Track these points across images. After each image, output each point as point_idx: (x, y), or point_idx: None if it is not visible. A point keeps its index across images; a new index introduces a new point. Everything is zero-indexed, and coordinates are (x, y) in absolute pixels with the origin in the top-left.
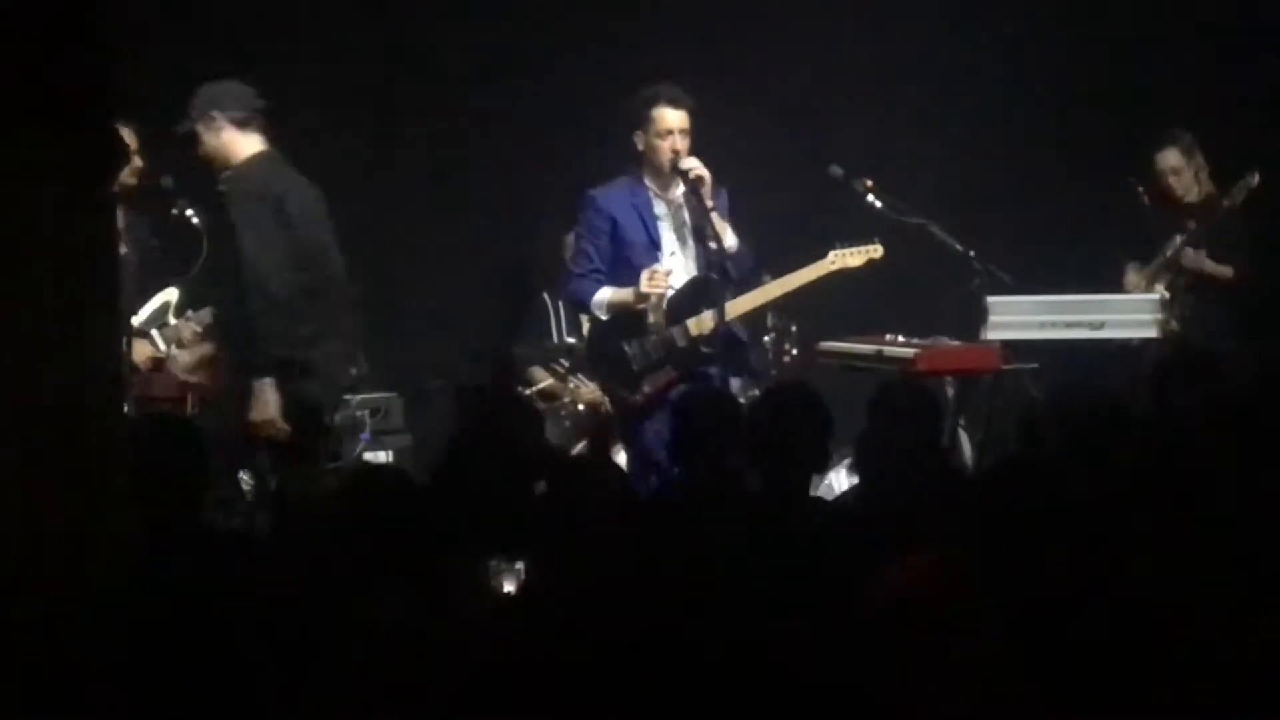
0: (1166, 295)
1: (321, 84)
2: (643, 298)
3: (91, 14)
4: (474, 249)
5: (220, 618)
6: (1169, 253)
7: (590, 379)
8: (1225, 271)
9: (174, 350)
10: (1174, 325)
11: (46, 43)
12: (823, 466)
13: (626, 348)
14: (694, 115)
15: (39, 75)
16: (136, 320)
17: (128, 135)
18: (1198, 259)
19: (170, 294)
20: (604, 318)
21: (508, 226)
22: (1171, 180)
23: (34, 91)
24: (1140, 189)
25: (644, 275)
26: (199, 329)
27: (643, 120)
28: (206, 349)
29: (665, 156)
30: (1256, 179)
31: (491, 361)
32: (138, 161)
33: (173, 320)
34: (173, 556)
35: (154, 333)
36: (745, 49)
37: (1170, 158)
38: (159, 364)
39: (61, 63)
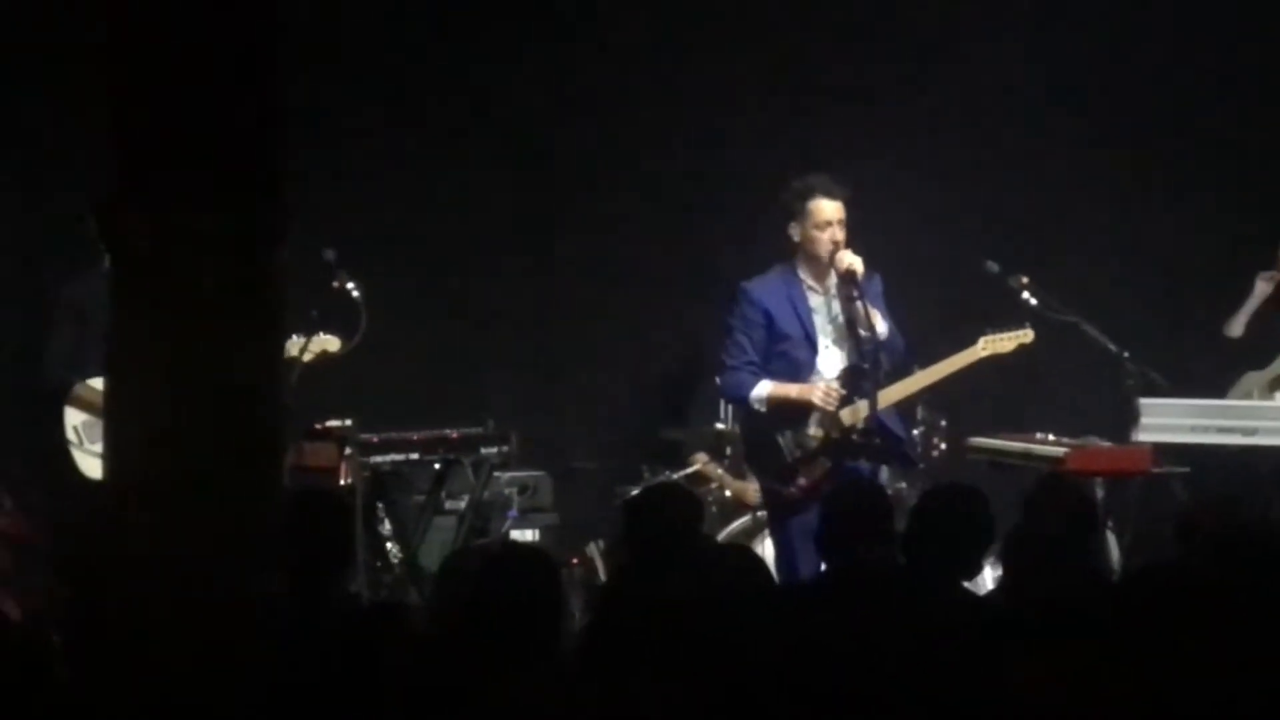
0: None
1: (491, 167)
2: (812, 405)
3: (263, 85)
4: (629, 330)
5: (362, 687)
6: None
7: (736, 469)
8: None
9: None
10: None
11: (219, 114)
12: (976, 571)
13: (780, 439)
14: (849, 204)
15: (211, 146)
16: None
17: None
18: None
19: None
20: (763, 411)
21: (669, 309)
22: None
23: (206, 162)
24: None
25: (819, 388)
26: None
27: (799, 212)
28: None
29: (825, 248)
30: None
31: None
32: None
33: None
34: (318, 624)
35: None
36: (904, 140)
37: None
38: (314, 433)
39: (233, 134)
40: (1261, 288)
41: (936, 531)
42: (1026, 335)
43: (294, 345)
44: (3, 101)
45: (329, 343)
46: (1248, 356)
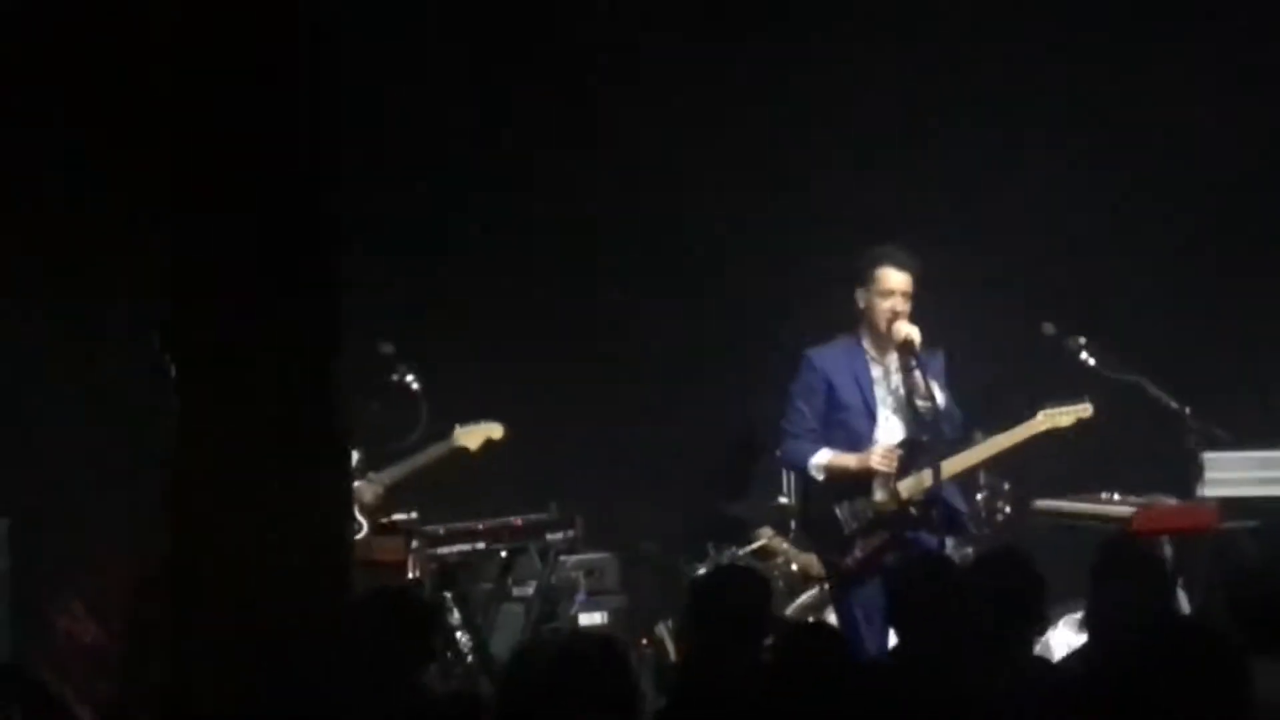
0: None
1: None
2: (872, 472)
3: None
4: (688, 408)
5: None
6: None
7: (801, 542)
8: None
9: (357, 512)
10: None
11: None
12: (1041, 629)
13: (838, 511)
14: (917, 279)
15: (272, 242)
16: None
17: None
18: None
19: (353, 456)
20: (821, 479)
21: (728, 384)
22: None
23: (267, 263)
24: None
25: (877, 451)
26: (380, 490)
27: (867, 278)
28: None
29: (884, 317)
30: None
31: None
32: None
33: (356, 482)
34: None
35: None
36: (961, 211)
37: None
38: (381, 527)
39: (287, 242)
40: None
41: (990, 598)
42: (1086, 410)
43: (462, 435)
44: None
45: (493, 430)
46: None
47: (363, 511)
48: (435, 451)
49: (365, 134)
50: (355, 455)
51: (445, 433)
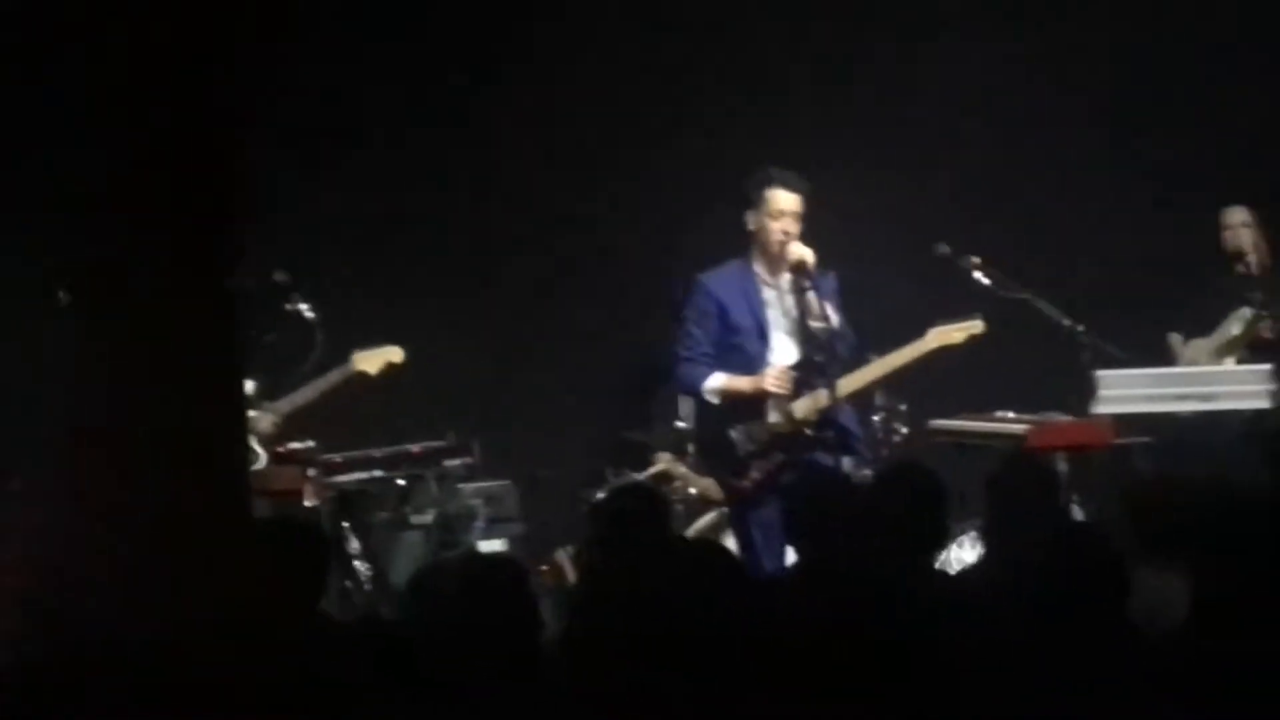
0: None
1: (440, 179)
2: (765, 394)
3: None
4: (586, 334)
5: (339, 708)
6: (1238, 327)
7: (699, 466)
8: None
9: (254, 443)
10: None
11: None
12: (941, 544)
13: (733, 433)
14: (807, 200)
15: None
16: None
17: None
18: (1275, 329)
19: (248, 386)
20: (715, 402)
21: (625, 311)
22: (1239, 235)
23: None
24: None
25: (770, 373)
26: (278, 419)
27: (756, 201)
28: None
29: (775, 238)
30: None
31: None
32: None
33: (251, 412)
34: (297, 647)
35: None
36: (855, 129)
37: (1238, 214)
38: (278, 457)
39: (184, 155)
40: (1190, 354)
41: (894, 512)
42: (976, 326)
43: (361, 359)
44: None
45: (392, 353)
46: (1187, 324)
47: (260, 441)
48: (334, 377)
49: (263, 55)
50: (251, 385)
51: (344, 358)
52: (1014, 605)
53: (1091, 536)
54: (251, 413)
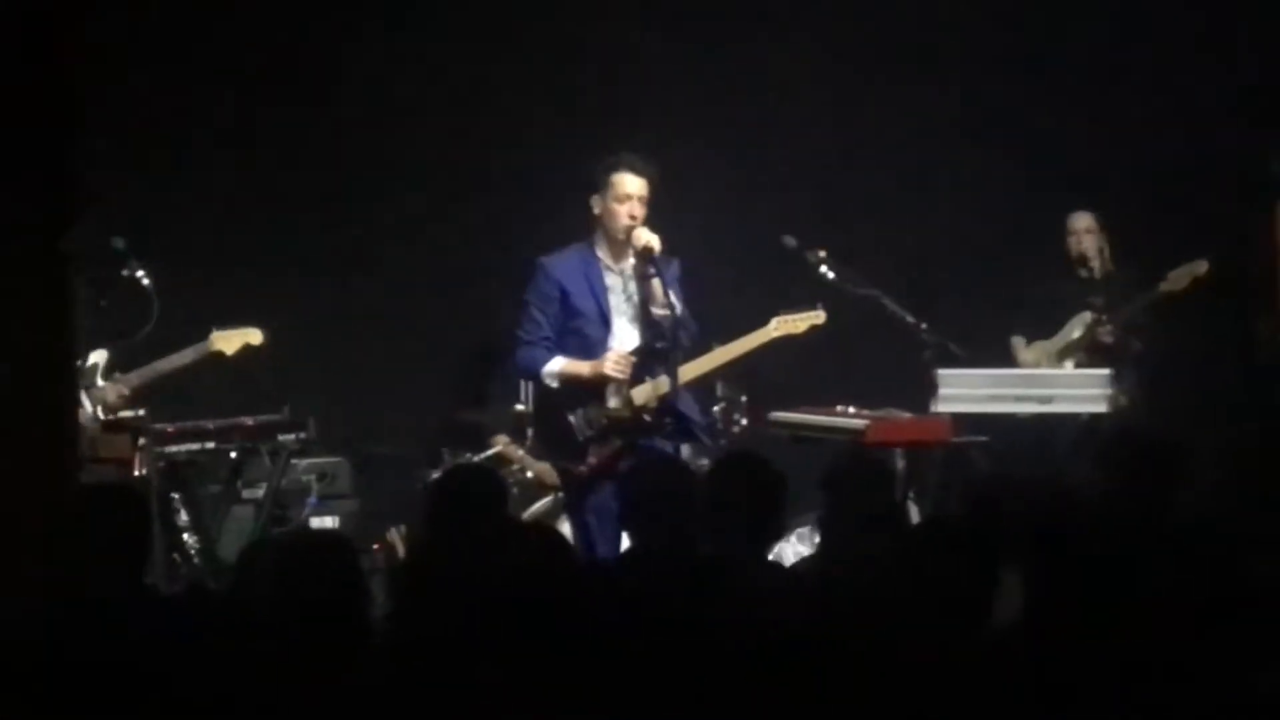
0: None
1: (278, 149)
2: (605, 379)
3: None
4: (425, 313)
5: (163, 680)
6: (1079, 331)
7: (537, 450)
8: (1135, 348)
9: (98, 412)
10: (1124, 400)
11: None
12: (777, 535)
13: (571, 418)
14: (654, 185)
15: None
16: None
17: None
18: (1114, 334)
19: (99, 355)
20: (554, 386)
21: (466, 291)
22: (1084, 241)
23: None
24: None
25: (610, 358)
26: (126, 391)
27: (602, 185)
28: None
29: (621, 222)
30: (1205, 267)
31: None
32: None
33: (100, 381)
34: (119, 617)
35: (81, 394)
36: (704, 119)
37: (1083, 219)
38: (108, 425)
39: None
40: (1031, 356)
41: (727, 501)
42: (818, 316)
43: (219, 339)
44: None
45: (251, 335)
46: (1029, 327)
47: (106, 411)
48: (189, 355)
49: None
50: (104, 354)
51: (176, 328)
52: (845, 598)
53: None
54: (101, 383)
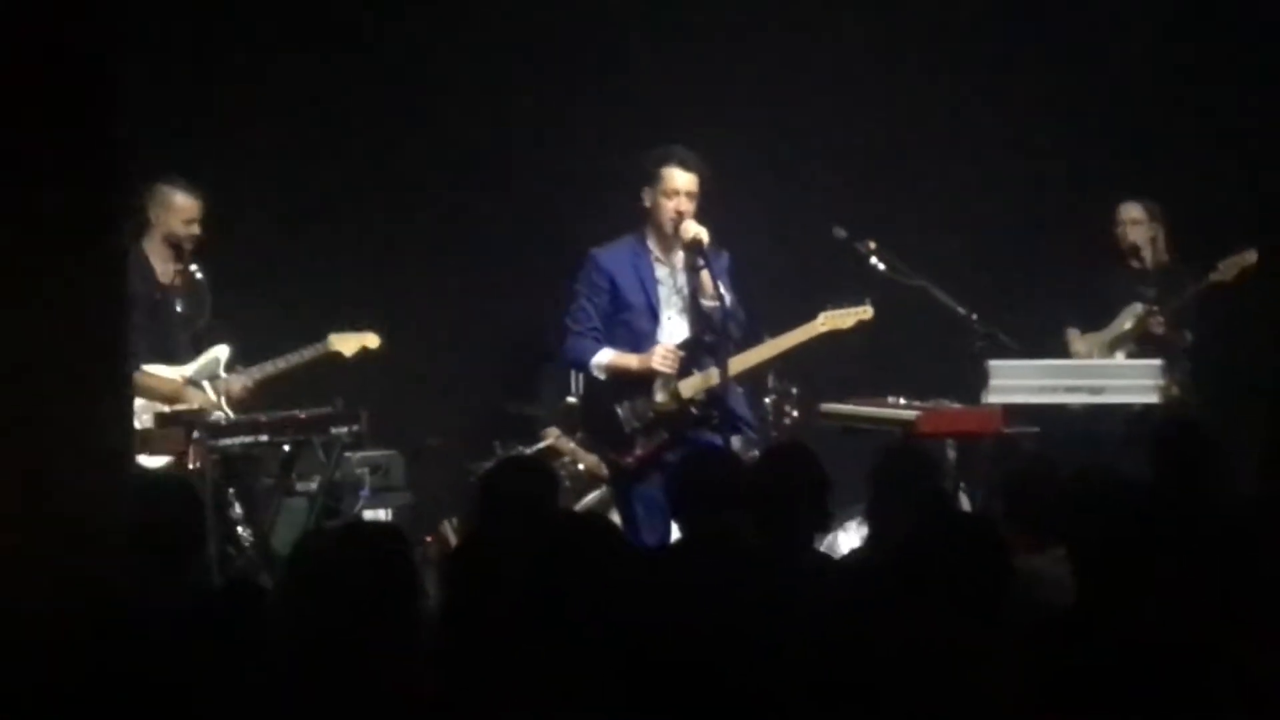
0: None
1: (327, 149)
2: (653, 372)
3: (108, 70)
4: (478, 306)
5: (214, 671)
6: (1130, 322)
7: (588, 442)
8: (1186, 339)
9: (222, 401)
10: (1175, 391)
11: (62, 97)
12: (824, 526)
13: (619, 410)
14: (703, 180)
15: (53, 131)
16: (189, 371)
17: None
18: (1165, 325)
19: (222, 350)
20: (602, 378)
21: (519, 284)
22: (1132, 232)
23: (49, 145)
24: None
25: (657, 352)
26: (250, 384)
27: (652, 178)
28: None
29: (669, 216)
30: (1255, 256)
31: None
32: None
33: (223, 374)
34: (172, 606)
35: (205, 384)
36: (755, 113)
37: (1132, 210)
38: (163, 418)
39: (74, 118)
40: (1082, 347)
41: (775, 492)
42: (866, 312)
43: (337, 340)
44: None
45: (368, 339)
46: (1081, 318)
47: (230, 401)
48: (308, 353)
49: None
50: (226, 349)
51: (320, 335)
52: (891, 588)
53: (972, 523)
54: (224, 375)
